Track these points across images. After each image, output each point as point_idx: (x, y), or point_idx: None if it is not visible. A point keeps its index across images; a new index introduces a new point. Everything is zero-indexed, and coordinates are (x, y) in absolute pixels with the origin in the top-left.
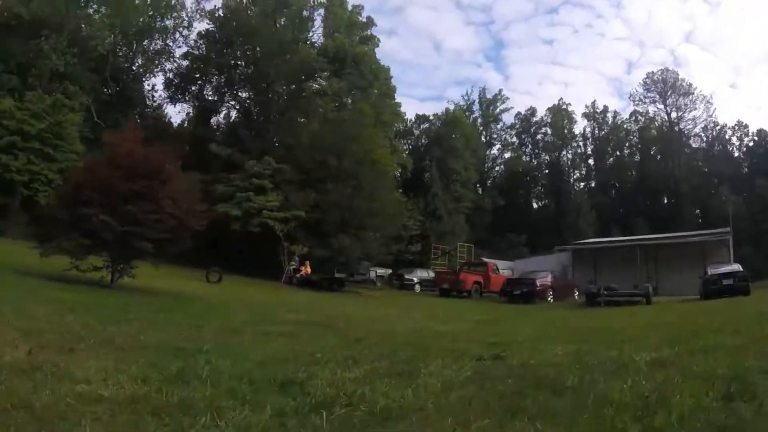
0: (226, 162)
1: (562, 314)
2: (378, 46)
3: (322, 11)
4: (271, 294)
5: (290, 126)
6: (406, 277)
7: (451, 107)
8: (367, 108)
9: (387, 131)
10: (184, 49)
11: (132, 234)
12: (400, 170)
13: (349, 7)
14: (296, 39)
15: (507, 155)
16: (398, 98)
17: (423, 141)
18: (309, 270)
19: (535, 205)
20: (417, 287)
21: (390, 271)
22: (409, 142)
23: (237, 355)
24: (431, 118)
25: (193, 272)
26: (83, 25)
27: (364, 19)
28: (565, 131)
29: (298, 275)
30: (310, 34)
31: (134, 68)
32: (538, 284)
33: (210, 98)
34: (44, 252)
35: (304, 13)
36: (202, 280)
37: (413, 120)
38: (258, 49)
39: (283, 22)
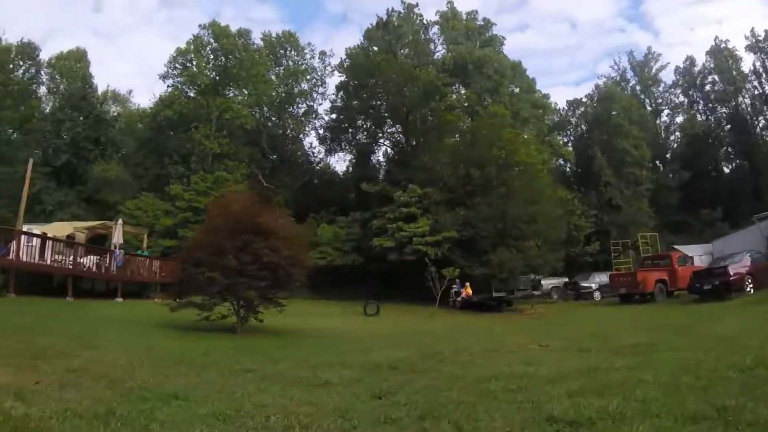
0: (381, 197)
1: (750, 319)
2: (503, 44)
3: (436, 29)
4: (419, 321)
5: (429, 149)
6: (582, 284)
7: (601, 82)
8: (500, 109)
9: (533, 126)
10: (327, 103)
11: (237, 285)
12: (568, 166)
13: (464, 16)
14: (421, 62)
15: (679, 119)
16: (549, 89)
17: (582, 127)
18: (470, 291)
19: (726, 170)
20: (596, 294)
21: (566, 279)
22: (569, 131)
23: (194, 405)
24: (584, 100)
25: (355, 306)
26: (227, 110)
27: (481, 22)
28: (734, 73)
29: (459, 298)
30: (434, 55)
31: (287, 133)
32: (731, 273)
33: (364, 141)
34: (172, 308)
35: (422, 36)
36: (361, 314)
37: (566, 108)
38: (390, 84)
39: (404, 53)
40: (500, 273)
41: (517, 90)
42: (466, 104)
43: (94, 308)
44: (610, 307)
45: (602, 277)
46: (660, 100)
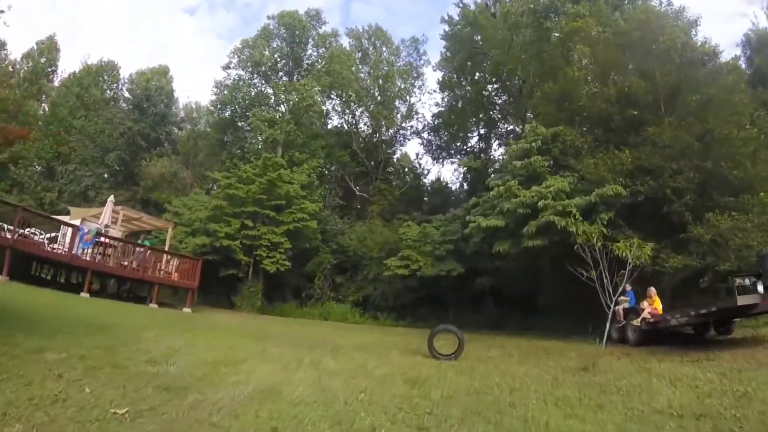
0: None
1: None
2: None
3: None
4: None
5: (554, 75)
6: None
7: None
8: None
9: None
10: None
11: None
12: None
13: None
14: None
15: None
16: None
17: None
18: (657, 305)
19: None
20: None
21: None
22: None
23: None
24: None
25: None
26: (291, 92)
27: None
28: None
29: (639, 320)
30: None
31: (383, 137)
32: None
33: (476, 149)
34: None
35: None
36: (424, 355)
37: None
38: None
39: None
40: (720, 260)
41: None
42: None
43: None
44: None
45: None
46: None
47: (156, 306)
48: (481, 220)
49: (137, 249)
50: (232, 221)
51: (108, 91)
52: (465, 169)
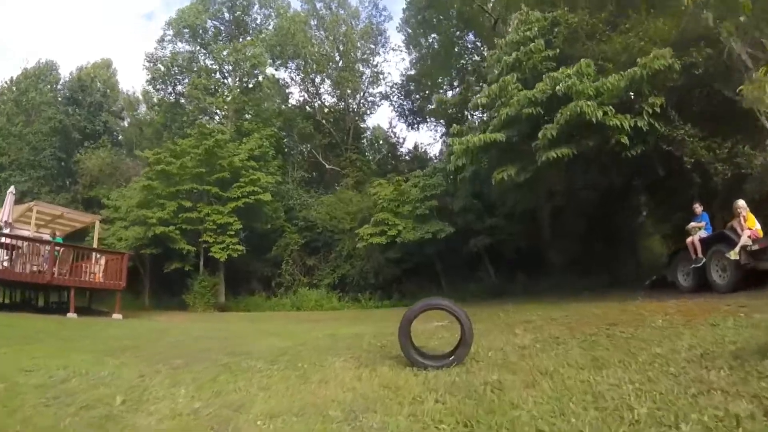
0: None
1: None
2: None
3: None
4: None
5: None
6: None
7: None
8: None
9: None
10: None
11: None
12: None
13: None
14: None
15: None
16: None
17: None
18: (753, 224)
19: None
20: None
21: None
22: None
23: None
24: None
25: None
26: (233, 53)
27: None
28: None
29: (735, 253)
30: None
31: (349, 106)
32: None
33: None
34: None
35: None
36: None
37: None
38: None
39: None
40: None
41: None
42: None
43: None
44: None
45: None
46: None
47: (74, 315)
48: (471, 137)
49: (45, 248)
50: (166, 204)
51: (50, 93)
52: (443, 129)
